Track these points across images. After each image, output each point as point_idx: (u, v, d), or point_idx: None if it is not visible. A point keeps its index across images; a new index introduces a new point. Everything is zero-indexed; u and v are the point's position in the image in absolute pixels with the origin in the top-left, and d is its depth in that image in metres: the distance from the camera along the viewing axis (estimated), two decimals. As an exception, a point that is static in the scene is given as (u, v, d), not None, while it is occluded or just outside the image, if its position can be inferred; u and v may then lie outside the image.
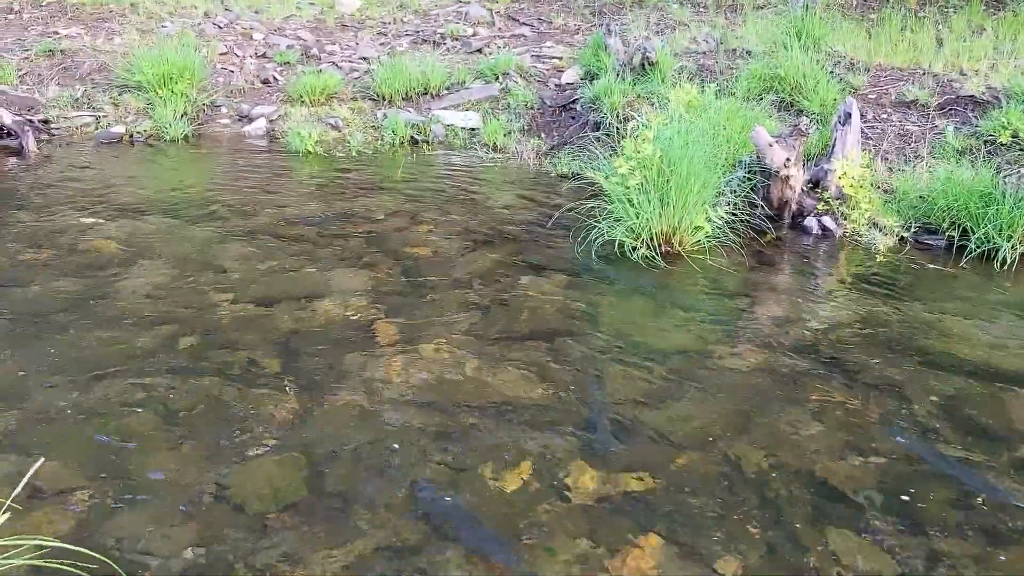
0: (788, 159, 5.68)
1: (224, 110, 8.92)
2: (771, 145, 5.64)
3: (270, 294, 4.88)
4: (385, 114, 8.60)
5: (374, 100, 8.97)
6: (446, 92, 9.08)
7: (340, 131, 8.39)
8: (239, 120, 8.79)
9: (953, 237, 5.71)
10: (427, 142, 8.27)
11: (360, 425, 3.68)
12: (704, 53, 8.93)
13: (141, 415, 3.69)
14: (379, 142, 8.23)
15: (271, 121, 8.70)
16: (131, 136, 8.26)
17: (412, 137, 8.30)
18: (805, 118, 6.05)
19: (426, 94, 9.04)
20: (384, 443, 3.55)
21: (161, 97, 8.49)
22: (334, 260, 5.40)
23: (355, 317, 4.63)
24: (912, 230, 5.86)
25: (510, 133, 8.23)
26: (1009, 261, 5.43)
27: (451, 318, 4.65)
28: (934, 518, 3.18)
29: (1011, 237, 5.51)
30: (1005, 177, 5.83)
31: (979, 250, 5.54)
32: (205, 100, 8.82)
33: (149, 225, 5.95)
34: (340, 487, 3.27)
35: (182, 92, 8.54)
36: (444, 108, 8.76)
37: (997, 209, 5.53)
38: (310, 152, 7.93)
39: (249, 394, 3.87)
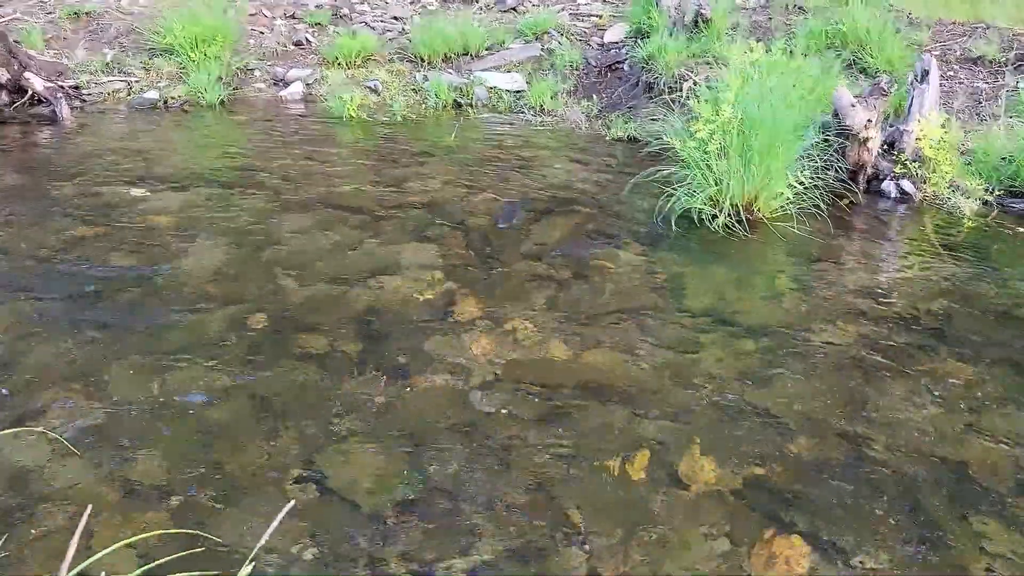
0: (869, 120, 5.41)
1: (258, 74, 8.64)
2: (853, 106, 5.37)
3: (338, 270, 4.67)
4: (425, 76, 8.30)
5: (412, 62, 8.67)
6: (486, 53, 8.76)
7: (380, 95, 8.12)
8: (274, 84, 8.50)
9: (1041, 200, 5.47)
10: (471, 105, 7.99)
11: (456, 411, 3.50)
12: (754, 9, 8.59)
13: (226, 403, 3.51)
14: (422, 106, 7.95)
15: (307, 85, 8.42)
16: (166, 102, 7.99)
17: (455, 100, 8.02)
18: (885, 76, 5.75)
19: (465, 55, 8.72)
20: (484, 430, 3.37)
21: (194, 61, 8.21)
22: (397, 232, 5.18)
23: (430, 294, 4.43)
24: (996, 193, 5.61)
25: (556, 95, 7.94)
26: (1103, 225, 5.20)
27: (529, 293, 4.45)
28: (1081, 506, 3.01)
29: (1104, 200, 5.26)
30: (1096, 137, 5.56)
31: (1070, 214, 5.31)
32: (239, 63, 8.52)
33: (199, 196, 5.73)
34: (450, 480, 3.10)
35: (215, 55, 8.25)
36: (485, 70, 8.46)
37: (1088, 170, 5.28)
38: (352, 117, 7.66)
39: (335, 379, 3.68)
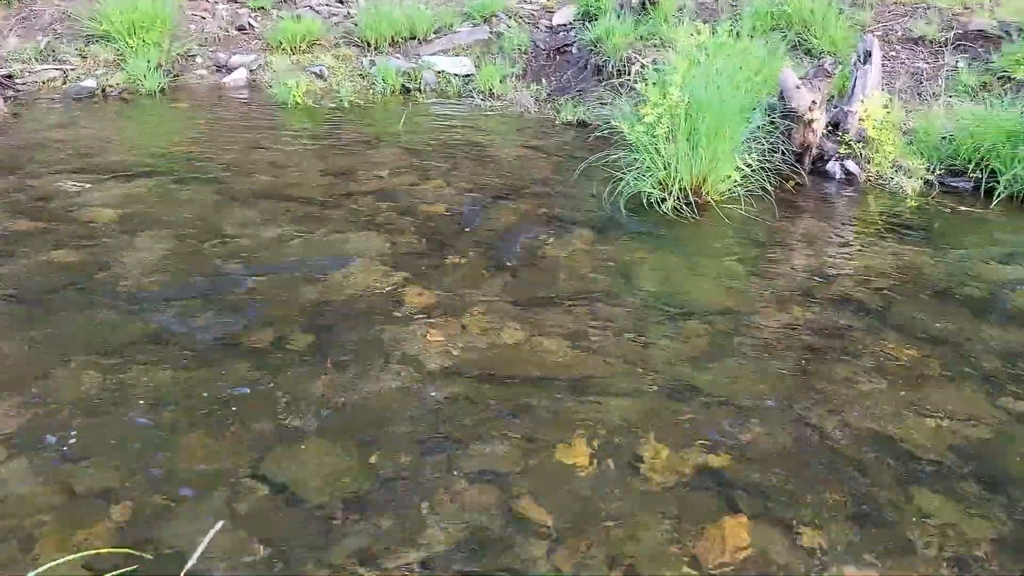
0: (814, 101, 5.47)
1: (200, 60, 8.44)
2: (798, 87, 5.42)
3: (285, 262, 4.59)
4: (372, 61, 8.20)
5: (358, 46, 8.55)
6: (434, 36, 8.68)
7: (326, 80, 7.99)
8: (217, 71, 8.33)
9: (980, 179, 5.58)
10: (419, 90, 7.91)
11: (407, 402, 3.46)
12: (701, -10, 8.61)
13: (172, 402, 3.43)
14: (370, 91, 7.85)
15: (251, 71, 8.26)
16: (104, 90, 7.77)
17: (403, 86, 7.93)
18: (829, 57, 5.83)
19: (413, 39, 8.63)
20: (436, 421, 3.35)
21: (132, 47, 7.98)
22: (345, 222, 5.11)
23: (380, 285, 4.38)
24: (937, 172, 5.72)
25: (505, 79, 7.89)
26: (1040, 203, 5.34)
27: (480, 281, 4.42)
28: (1018, 480, 3.08)
29: (1041, 178, 5.40)
30: (1032, 116, 5.69)
31: (1008, 191, 5.43)
32: (179, 50, 8.32)
33: (141, 189, 5.58)
34: (401, 473, 3.07)
35: (154, 41, 8.04)
36: (433, 54, 8.38)
37: (1026, 149, 5.41)
38: (298, 103, 7.53)
39: (284, 374, 3.62)
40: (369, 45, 8.50)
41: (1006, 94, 6.13)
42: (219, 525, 2.14)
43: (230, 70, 8.25)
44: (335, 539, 2.77)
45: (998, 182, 5.46)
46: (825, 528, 2.85)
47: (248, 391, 3.50)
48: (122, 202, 5.31)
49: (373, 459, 3.13)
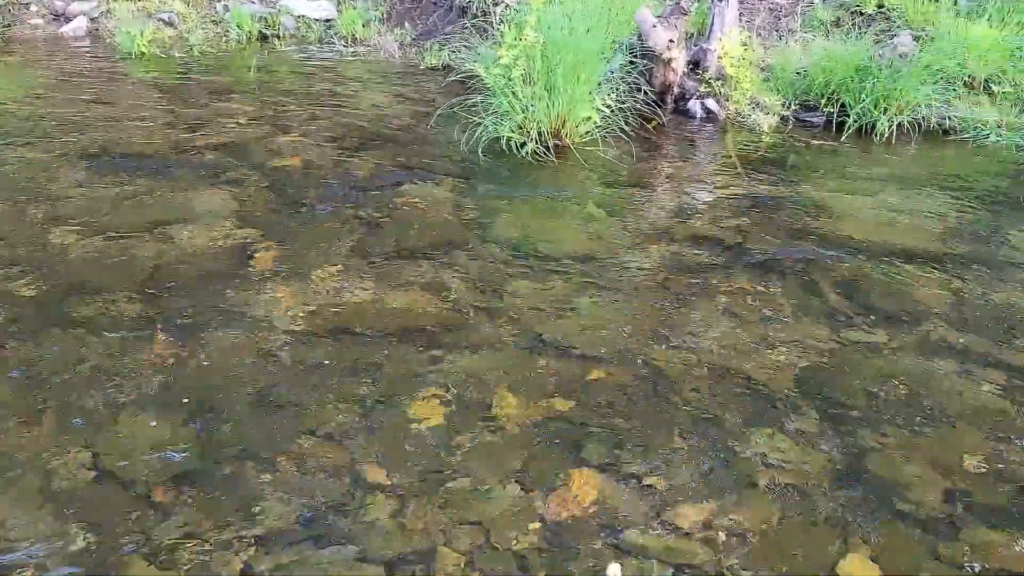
0: (671, 40, 5.44)
1: (34, 8, 7.78)
2: (655, 26, 5.38)
3: (122, 224, 4.29)
4: (226, 6, 7.72)
5: (211, -10, 8.03)
6: (292, -21, 8.23)
7: (176, 28, 7.49)
8: (54, 20, 7.70)
9: (832, 113, 5.71)
10: (278, 37, 7.52)
11: (251, 368, 3.30)
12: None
13: (-13, 382, 3.17)
14: (223, 39, 7.41)
15: (92, 19, 7.66)
16: (-77, 44, 7.08)
17: (260, 32, 7.52)
18: (685, -6, 5.80)
19: (270, -18, 8.16)
20: (282, 386, 3.20)
21: (-47, -5, 7.28)
22: (192, 179, 4.82)
23: (226, 244, 4.15)
24: (792, 108, 5.82)
25: (369, 23, 7.58)
26: (887, 134, 5.50)
27: (335, 237, 4.25)
28: (853, 408, 3.18)
29: (887, 110, 5.56)
30: (879, 50, 5.84)
31: (857, 124, 5.58)
32: (9, -3, 7.64)
33: (-38, 151, 5.11)
34: (238, 444, 2.92)
35: (-21, -12, 7.35)
36: (292, -3, 7.95)
37: (873, 82, 5.55)
38: (144, 53, 7.05)
39: (115, 346, 3.38)
40: (222, -11, 8.00)
41: (855, 28, 6.26)
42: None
43: (68, 19, 7.64)
44: (160, 518, 2.61)
45: (848, 115, 5.59)
46: (669, 470, 2.87)
47: (71, 364, 3.26)
48: (-62, 166, 4.86)
49: (207, 430, 2.97)
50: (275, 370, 3.29)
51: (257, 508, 2.67)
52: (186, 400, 3.11)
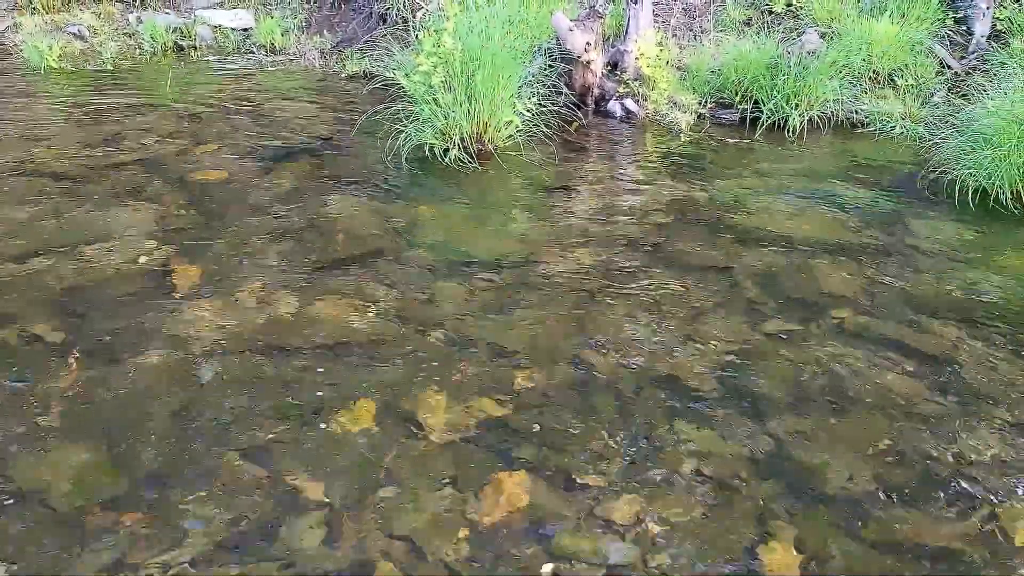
0: (588, 43, 5.53)
1: (-66, 25, 7.49)
2: (571, 30, 5.45)
3: (34, 245, 4.18)
4: (139, 18, 7.56)
5: (123, 2, 7.86)
6: (207, -12, 8.10)
7: (87, 41, 7.30)
8: (-44, 36, 7.42)
9: (746, 110, 5.87)
10: (195, 48, 7.39)
11: (171, 389, 3.24)
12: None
13: None
14: (137, 52, 7.25)
15: (-2, 34, 7.42)
16: None
17: (176, 43, 7.38)
18: (600, -1, 5.92)
19: (184, -9, 8.03)
20: (204, 405, 3.16)
21: None
22: (107, 197, 4.71)
23: (144, 263, 4.07)
24: (708, 106, 5.97)
25: (288, 32, 7.51)
26: (798, 129, 5.68)
27: (259, 251, 4.21)
28: (771, 398, 3.28)
29: (798, 105, 5.74)
30: (788, 48, 6.03)
31: (770, 120, 5.75)
32: (-94, 13, 7.34)
33: None
34: (161, 468, 2.87)
35: None
36: (208, 8, 7.84)
37: (784, 79, 5.73)
38: (53, 68, 6.85)
39: (28, 372, 3.29)
40: (135, 1, 7.83)
41: (766, 27, 6.45)
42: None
43: (-28, 34, 7.38)
44: (85, 548, 2.55)
45: (762, 112, 5.76)
46: (597, 469, 2.92)
47: (-14, 396, 3.16)
48: None
49: (129, 455, 2.92)
50: (199, 390, 3.25)
51: (185, 532, 2.63)
52: (106, 425, 3.04)
